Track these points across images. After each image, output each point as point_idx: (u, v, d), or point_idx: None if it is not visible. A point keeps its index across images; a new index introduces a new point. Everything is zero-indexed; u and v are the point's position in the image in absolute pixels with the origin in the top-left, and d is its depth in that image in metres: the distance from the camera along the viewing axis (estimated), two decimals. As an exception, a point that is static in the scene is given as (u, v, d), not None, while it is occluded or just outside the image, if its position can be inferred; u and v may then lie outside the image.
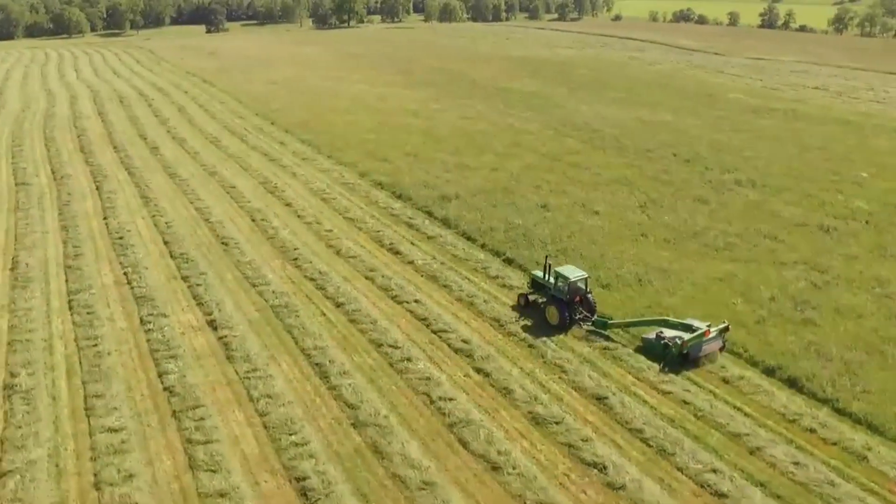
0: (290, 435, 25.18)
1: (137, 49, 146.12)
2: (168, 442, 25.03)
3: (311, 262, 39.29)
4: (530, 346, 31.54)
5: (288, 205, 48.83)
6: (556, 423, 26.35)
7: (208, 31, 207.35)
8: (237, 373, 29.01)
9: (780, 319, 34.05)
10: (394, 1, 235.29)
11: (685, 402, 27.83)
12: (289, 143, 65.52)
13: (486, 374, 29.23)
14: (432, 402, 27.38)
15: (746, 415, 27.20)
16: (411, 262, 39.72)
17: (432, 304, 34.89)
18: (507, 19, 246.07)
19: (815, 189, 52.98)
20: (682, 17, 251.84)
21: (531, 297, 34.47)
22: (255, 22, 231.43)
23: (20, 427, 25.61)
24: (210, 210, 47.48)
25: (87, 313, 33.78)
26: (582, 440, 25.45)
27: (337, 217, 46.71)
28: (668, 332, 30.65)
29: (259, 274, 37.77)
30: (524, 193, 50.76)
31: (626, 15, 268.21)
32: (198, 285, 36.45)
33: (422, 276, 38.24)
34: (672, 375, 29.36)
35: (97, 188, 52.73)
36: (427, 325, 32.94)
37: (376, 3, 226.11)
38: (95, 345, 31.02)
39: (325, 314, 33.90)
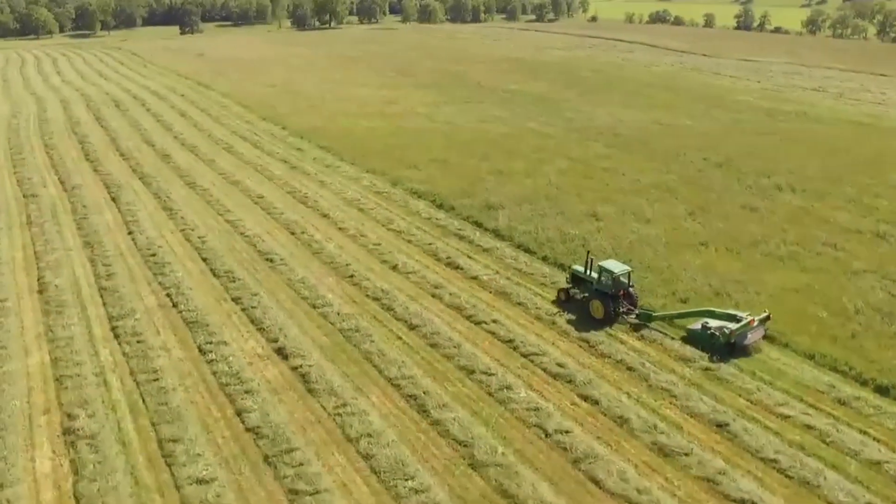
0: (406, 480, 22.56)
1: (116, 51, 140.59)
2: (269, 494, 22.20)
3: (368, 280, 36.54)
4: (629, 368, 29.34)
5: (325, 216, 45.92)
6: (685, 454, 24.23)
7: (182, 33, 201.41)
8: (324, 408, 26.23)
9: (872, 333, 32.42)
10: (371, 2, 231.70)
11: (808, 427, 25.93)
12: (307, 149, 62.42)
13: (595, 402, 26.95)
14: (548, 435, 25.00)
15: (875, 439, 25.41)
16: (475, 278, 37.23)
17: (512, 324, 32.47)
18: (484, 20, 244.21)
19: (856, 193, 51.77)
20: (659, 18, 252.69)
21: (571, 292, 34.25)
22: (229, 23, 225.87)
23: (94, 480, 22.56)
24: (243, 223, 44.34)
25: (137, 342, 30.64)
26: (718, 473, 23.37)
27: (381, 229, 43.96)
28: (713, 323, 30.76)
29: (316, 294, 34.90)
30: (568, 201, 48.59)
31: (602, 17, 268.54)
32: (253, 308, 33.46)
33: (490, 292, 35.78)
34: (786, 397, 27.51)
35: (113, 199, 49.20)
36: (514, 348, 30.52)
37: (352, 3, 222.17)
38: (156, 379, 27.96)
39: (400, 338, 31.25)
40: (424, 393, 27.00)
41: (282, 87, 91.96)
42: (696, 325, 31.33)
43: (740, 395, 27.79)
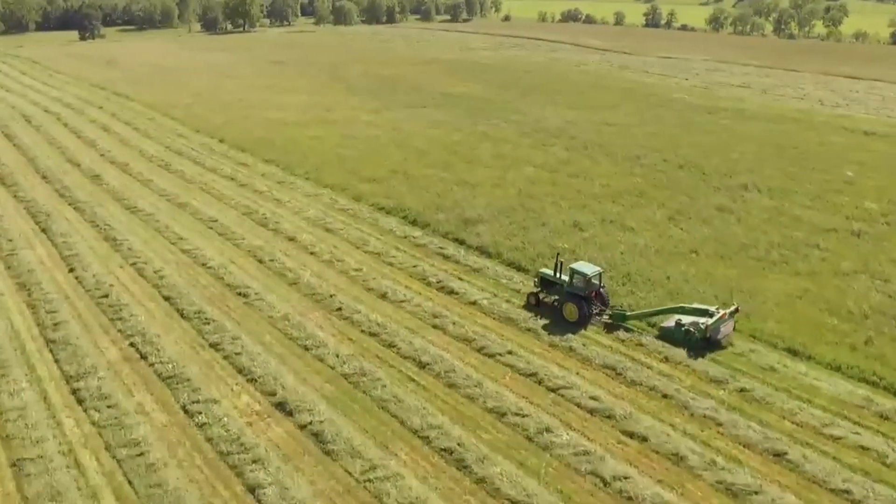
0: (470, 558, 19.50)
1: (13, 58, 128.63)
2: (312, 592, 18.63)
3: (359, 312, 32.99)
4: (665, 395, 27.25)
5: (291, 239, 41.83)
6: (755, 492, 22.40)
7: (82, 38, 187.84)
8: (350, 474, 22.75)
9: (886, 338, 31.71)
10: (282, 3, 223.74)
11: (863, 448, 24.61)
12: (252, 163, 57.63)
13: (643, 438, 24.68)
14: (606, 483, 22.53)
15: (934, 456, 24.31)
16: (474, 303, 34.31)
17: (528, 355, 29.78)
18: (399, 21, 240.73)
19: (817, 191, 52.04)
20: (571, 16, 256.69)
21: (541, 296, 33.63)
22: (132, 27, 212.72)
23: None
24: (202, 252, 39.69)
25: (108, 407, 26.08)
26: (796, 514, 21.52)
27: (356, 252, 40.32)
28: (686, 319, 30.82)
29: (306, 332, 31.10)
30: (546, 211, 46.38)
31: (515, 16, 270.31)
32: (237, 354, 29.36)
33: (495, 318, 32.98)
34: (829, 416, 26.12)
35: (43, 230, 43.37)
36: (539, 382, 27.86)
37: (262, 6, 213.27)
38: (140, 453, 23.67)
39: (413, 379, 28.00)
40: (459, 445, 23.92)
41: (210, 96, 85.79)
42: (670, 322, 31.19)
43: (784, 418, 26.20)
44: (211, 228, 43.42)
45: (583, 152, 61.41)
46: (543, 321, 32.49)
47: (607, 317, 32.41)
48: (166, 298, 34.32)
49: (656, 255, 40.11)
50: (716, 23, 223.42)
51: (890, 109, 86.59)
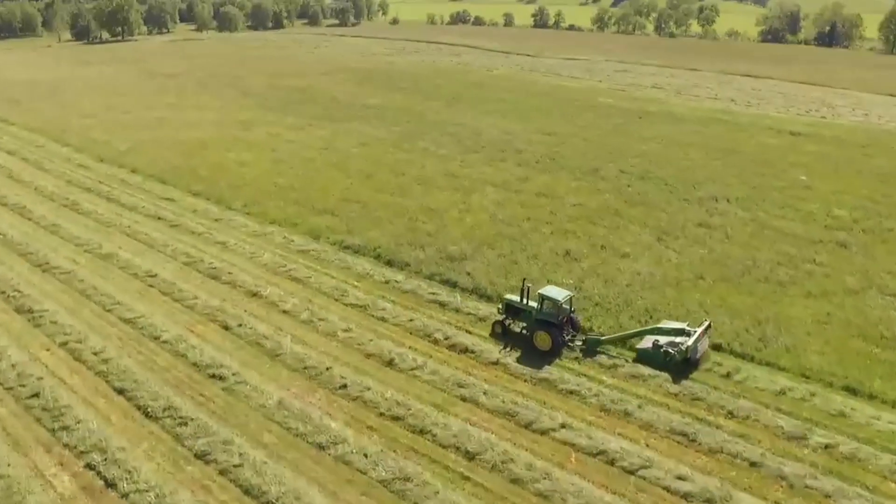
0: None
1: None
2: None
3: (368, 389, 27.25)
4: (753, 464, 23.61)
5: (254, 295, 35.14)
6: None
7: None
8: None
9: (929, 363, 29.79)
10: (159, 10, 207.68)
11: None
12: (178, 198, 49.67)
13: (758, 533, 20.80)
14: None
15: None
16: (497, 363, 29.39)
17: (585, 426, 25.30)
18: (286, 26, 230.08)
19: (783, 198, 50.92)
20: (459, 19, 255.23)
21: (507, 324, 31.25)
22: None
23: None
24: (149, 321, 32.30)
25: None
26: None
27: (337, 306, 34.27)
28: (663, 339, 29.29)
29: (313, 425, 25.05)
30: (530, 239, 42.11)
31: (403, 18, 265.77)
32: (235, 466, 22.96)
33: (527, 381, 28.22)
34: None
35: (-73, 306, 34.32)
36: (611, 463, 23.44)
37: (140, 12, 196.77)
38: None
39: (467, 477, 22.80)
40: (560, 572, 19.06)
41: (106, 117, 75.36)
42: (646, 343, 29.56)
43: (886, 478, 23.16)
44: (151, 286, 35.89)
45: (536, 167, 57.67)
46: (578, 379, 28.03)
47: (581, 343, 30.16)
48: (119, 392, 27.06)
49: (664, 283, 36.76)
50: (601, 22, 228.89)
51: (797, 108, 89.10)
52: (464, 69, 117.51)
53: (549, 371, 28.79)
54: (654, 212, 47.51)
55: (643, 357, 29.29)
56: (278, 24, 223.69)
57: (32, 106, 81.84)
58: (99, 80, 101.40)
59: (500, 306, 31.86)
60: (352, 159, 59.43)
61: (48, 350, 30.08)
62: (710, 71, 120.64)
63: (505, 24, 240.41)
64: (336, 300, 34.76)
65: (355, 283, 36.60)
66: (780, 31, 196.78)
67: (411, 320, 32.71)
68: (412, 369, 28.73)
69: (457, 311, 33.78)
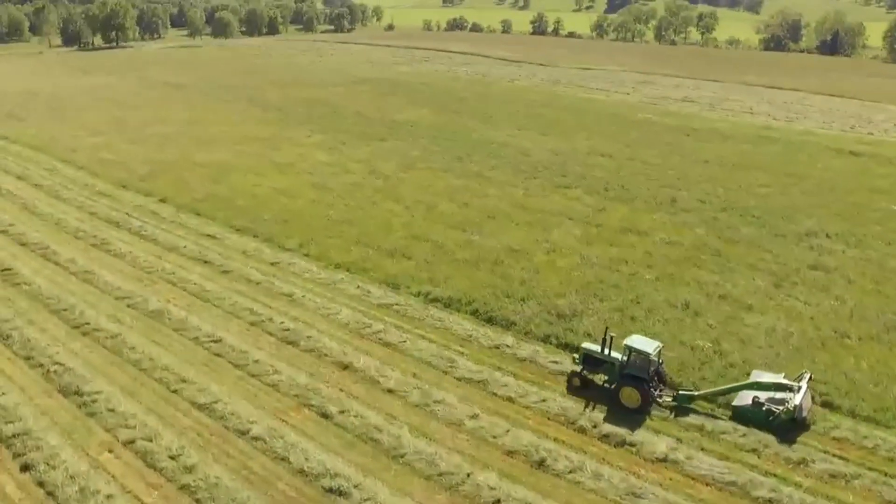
0: None
1: None
2: None
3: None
4: None
5: (345, 367, 29.24)
6: None
7: None
8: None
9: None
10: (151, 15, 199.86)
11: None
12: (221, 235, 43.64)
13: None
14: None
15: None
16: (665, 460, 23.92)
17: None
18: (281, 32, 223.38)
19: (885, 233, 45.93)
20: (456, 25, 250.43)
21: (587, 378, 27.95)
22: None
23: None
24: (229, 407, 26.25)
25: None
26: None
27: (450, 382, 28.44)
28: (763, 395, 26.15)
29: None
30: (634, 286, 36.75)
31: (399, 24, 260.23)
32: None
33: (709, 485, 22.79)
34: None
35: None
36: None
37: (133, 18, 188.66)
38: None
39: None
40: None
41: (117, 134, 68.86)
42: (745, 400, 26.34)
43: None
44: (218, 356, 29.92)
45: (607, 195, 52.33)
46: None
47: (671, 399, 26.95)
48: (211, 513, 21.23)
49: (808, 344, 31.64)
50: (600, 29, 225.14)
51: (838, 123, 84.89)
52: (482, 80, 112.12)
53: (727, 468, 23.37)
54: (755, 251, 42.36)
55: (741, 415, 26.12)
56: (273, 30, 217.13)
57: (32, 121, 75.06)
58: (101, 91, 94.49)
59: (577, 356, 28.37)
60: (402, 186, 53.72)
61: (110, 451, 24.09)
62: (732, 82, 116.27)
63: (503, 31, 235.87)
64: (445, 373, 29.09)
65: (460, 349, 30.93)
66: (781, 39, 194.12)
67: (544, 401, 27.17)
68: (570, 472, 23.24)
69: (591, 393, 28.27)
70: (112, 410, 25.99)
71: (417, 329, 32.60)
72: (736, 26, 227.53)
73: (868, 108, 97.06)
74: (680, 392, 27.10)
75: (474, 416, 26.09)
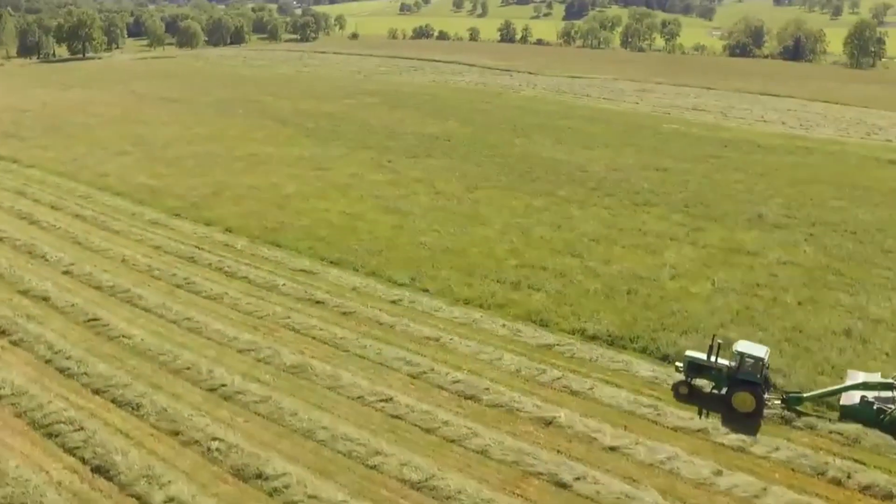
0: None
1: None
2: None
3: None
4: None
5: (548, 424, 25.80)
6: None
7: None
8: None
9: None
10: (110, 24, 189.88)
11: None
12: (315, 269, 39.34)
13: None
14: None
15: None
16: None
17: None
18: (247, 42, 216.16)
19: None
20: (423, 33, 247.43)
21: (694, 385, 28.00)
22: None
23: None
24: (445, 481, 22.49)
25: None
26: None
27: (642, 424, 25.50)
28: (870, 395, 26.20)
29: None
30: (791, 314, 34.58)
31: (363, 33, 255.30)
32: None
33: None
34: None
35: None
36: None
37: (101, 29, 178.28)
38: None
39: None
40: None
41: (141, 153, 63.28)
42: (853, 399, 26.37)
43: None
44: (397, 418, 25.92)
45: (692, 213, 50.13)
46: None
47: (780, 401, 27.15)
48: None
49: None
50: (567, 37, 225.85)
51: (851, 130, 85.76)
52: (486, 90, 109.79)
53: None
54: (875, 269, 40.87)
55: (850, 414, 26.19)
56: (238, 40, 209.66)
57: (38, 142, 68.47)
58: (96, 107, 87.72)
59: (681, 364, 28.40)
60: (480, 207, 50.48)
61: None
62: (725, 90, 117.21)
63: (471, 39, 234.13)
64: (654, 422, 26.11)
65: (653, 393, 27.99)
66: (746, 46, 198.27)
67: (777, 449, 24.56)
68: None
69: (812, 429, 25.87)
70: (314, 497, 22.01)
71: (595, 372, 29.51)
72: (692, 32, 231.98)
73: (866, 113, 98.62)
74: (790, 395, 26.97)
75: (718, 473, 23.26)
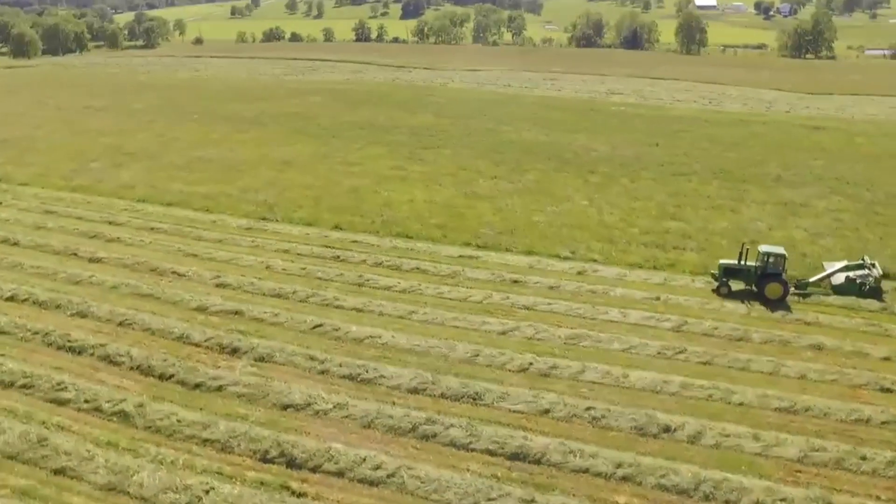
0: None
1: None
2: None
3: None
4: None
5: None
6: None
7: None
8: None
9: None
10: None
11: None
12: (481, 255, 39.26)
13: None
14: None
15: None
16: None
17: None
18: (90, 49, 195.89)
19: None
20: (273, 36, 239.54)
21: (733, 286, 34.62)
22: None
23: None
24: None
25: None
26: None
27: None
28: (852, 274, 34.66)
29: None
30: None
31: (208, 38, 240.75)
32: None
33: None
34: None
35: None
36: None
37: None
38: None
39: None
40: None
41: (165, 160, 57.14)
42: (840, 279, 34.69)
43: None
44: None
45: (738, 179, 55.18)
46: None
47: (793, 287, 34.39)
48: None
49: None
50: (421, 34, 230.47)
51: (750, 105, 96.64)
52: (416, 85, 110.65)
53: None
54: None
55: (840, 290, 34.39)
56: (79, 48, 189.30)
57: (35, 158, 59.68)
58: (31, 119, 76.75)
59: (716, 272, 34.87)
60: (555, 188, 52.40)
61: None
62: (617, 76, 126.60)
63: (325, 40, 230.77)
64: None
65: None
66: (591, 37, 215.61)
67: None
68: None
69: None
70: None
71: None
72: (528, 26, 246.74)
73: (732, 90, 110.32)
74: (800, 281, 34.74)
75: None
